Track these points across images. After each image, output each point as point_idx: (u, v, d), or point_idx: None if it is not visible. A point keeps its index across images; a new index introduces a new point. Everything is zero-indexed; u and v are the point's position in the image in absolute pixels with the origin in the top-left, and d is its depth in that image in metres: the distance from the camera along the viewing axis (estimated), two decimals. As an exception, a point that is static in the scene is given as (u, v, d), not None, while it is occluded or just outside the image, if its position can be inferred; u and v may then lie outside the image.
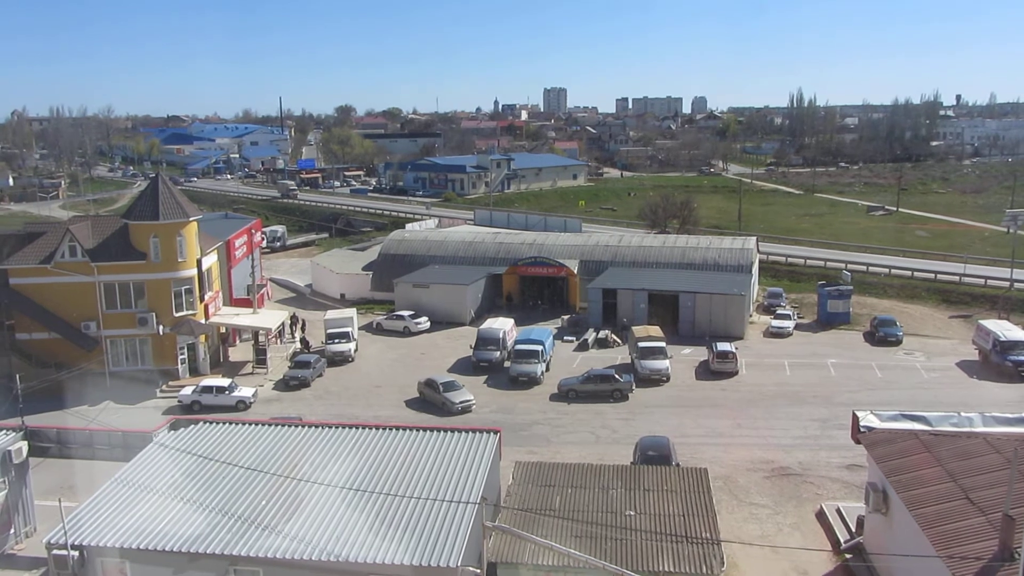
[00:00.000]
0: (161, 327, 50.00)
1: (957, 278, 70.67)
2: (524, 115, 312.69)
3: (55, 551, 24.19)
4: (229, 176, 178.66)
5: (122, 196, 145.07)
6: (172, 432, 33.08)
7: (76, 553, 24.08)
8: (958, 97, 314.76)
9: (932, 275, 72.01)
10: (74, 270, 49.33)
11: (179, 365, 51.38)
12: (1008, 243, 72.02)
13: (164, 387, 49.84)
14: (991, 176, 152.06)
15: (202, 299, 52.34)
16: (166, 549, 23.77)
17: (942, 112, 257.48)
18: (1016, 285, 66.82)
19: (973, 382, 48.56)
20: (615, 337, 57.90)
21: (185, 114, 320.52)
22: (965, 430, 29.07)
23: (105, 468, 33.16)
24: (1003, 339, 49.96)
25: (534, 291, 69.16)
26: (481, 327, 55.91)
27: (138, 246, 49.85)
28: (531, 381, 49.44)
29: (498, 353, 52.63)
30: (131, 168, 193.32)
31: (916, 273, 73.13)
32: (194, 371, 51.82)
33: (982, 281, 69.09)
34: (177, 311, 50.58)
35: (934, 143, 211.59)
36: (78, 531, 24.75)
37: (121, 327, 50.06)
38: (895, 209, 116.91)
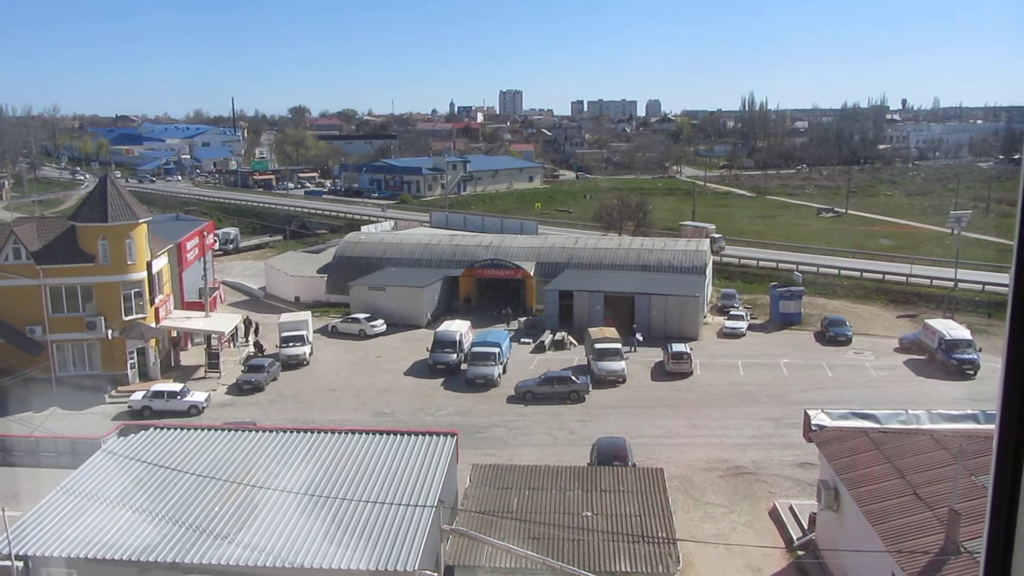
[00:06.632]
0: (110, 331, 48.93)
1: (904, 279, 72.25)
2: (480, 117, 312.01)
3: (-1, 562, 23.52)
4: (180, 178, 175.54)
5: (69, 197, 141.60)
6: (121, 438, 32.34)
7: (20, 564, 23.41)
8: (904, 101, 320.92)
9: (880, 276, 73.53)
10: (18, 273, 48.04)
11: (129, 370, 50.29)
12: (952, 244, 73.87)
13: (113, 392, 48.76)
14: (936, 179, 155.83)
15: (152, 302, 51.35)
16: (115, 559, 23.24)
17: (889, 116, 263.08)
18: (960, 285, 68.62)
19: (920, 380, 49.70)
20: (571, 339, 58.12)
21: (134, 114, 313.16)
22: (913, 427, 29.78)
23: (51, 476, 32.26)
24: (948, 338, 51.23)
25: (491, 293, 69.12)
26: (438, 329, 55.68)
27: (86, 248, 48.73)
28: (488, 383, 49.36)
29: (455, 355, 52.44)
30: (78, 168, 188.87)
31: (865, 274, 74.57)
32: (144, 376, 50.80)
33: (928, 281, 70.76)
34: (126, 315, 49.54)
35: (881, 146, 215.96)
36: (23, 541, 24.07)
37: (68, 331, 48.86)
38: (844, 211, 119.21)
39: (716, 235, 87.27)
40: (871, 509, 23.75)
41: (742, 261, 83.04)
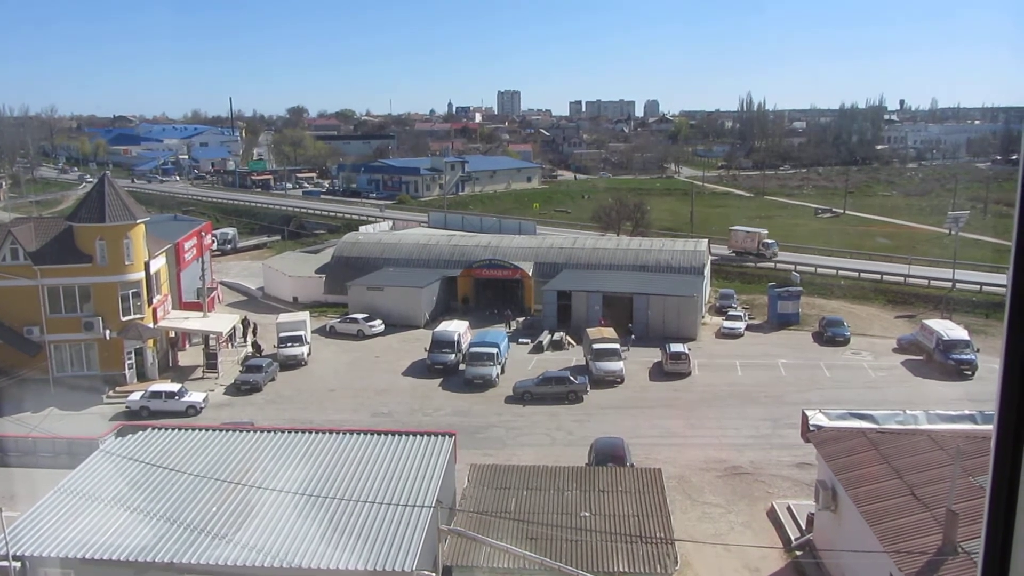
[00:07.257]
0: (108, 331, 48.88)
1: (902, 279, 72.30)
2: (478, 117, 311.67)
3: (-4, 563, 23.47)
4: (178, 178, 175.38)
5: (67, 198, 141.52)
6: (119, 439, 32.30)
7: (18, 565, 23.39)
8: (901, 102, 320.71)
9: (878, 276, 73.59)
10: (15, 273, 47.98)
11: (127, 370, 50.24)
12: (950, 244, 73.95)
13: (111, 393, 48.70)
14: (933, 179, 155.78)
15: (150, 303, 51.30)
16: (112, 559, 23.22)
17: (887, 116, 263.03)
18: (958, 285, 68.69)
19: (918, 380, 49.74)
20: (569, 339, 58.11)
21: (132, 114, 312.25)
22: (910, 428, 29.79)
23: (48, 476, 32.22)
24: (946, 338, 51.27)
25: (489, 293, 69.10)
26: (436, 330, 55.69)
27: (83, 249, 48.67)
28: (486, 383, 49.34)
29: (453, 356, 52.43)
30: (76, 169, 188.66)
31: (863, 274, 74.64)
32: (142, 376, 50.73)
33: (926, 282, 70.82)
34: (124, 315, 49.49)
35: (879, 147, 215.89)
36: (20, 542, 24.04)
37: (66, 331, 48.80)
38: (842, 211, 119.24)
39: (769, 240, 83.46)
40: (869, 509, 23.76)
41: (740, 261, 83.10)
